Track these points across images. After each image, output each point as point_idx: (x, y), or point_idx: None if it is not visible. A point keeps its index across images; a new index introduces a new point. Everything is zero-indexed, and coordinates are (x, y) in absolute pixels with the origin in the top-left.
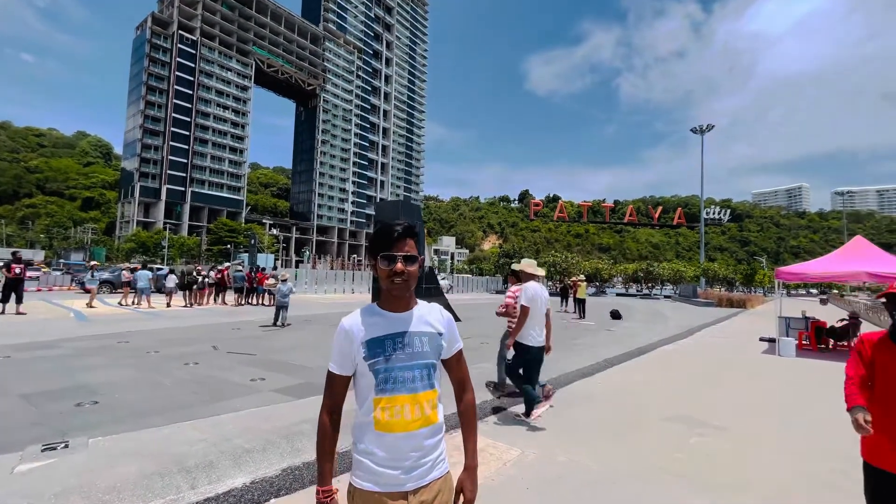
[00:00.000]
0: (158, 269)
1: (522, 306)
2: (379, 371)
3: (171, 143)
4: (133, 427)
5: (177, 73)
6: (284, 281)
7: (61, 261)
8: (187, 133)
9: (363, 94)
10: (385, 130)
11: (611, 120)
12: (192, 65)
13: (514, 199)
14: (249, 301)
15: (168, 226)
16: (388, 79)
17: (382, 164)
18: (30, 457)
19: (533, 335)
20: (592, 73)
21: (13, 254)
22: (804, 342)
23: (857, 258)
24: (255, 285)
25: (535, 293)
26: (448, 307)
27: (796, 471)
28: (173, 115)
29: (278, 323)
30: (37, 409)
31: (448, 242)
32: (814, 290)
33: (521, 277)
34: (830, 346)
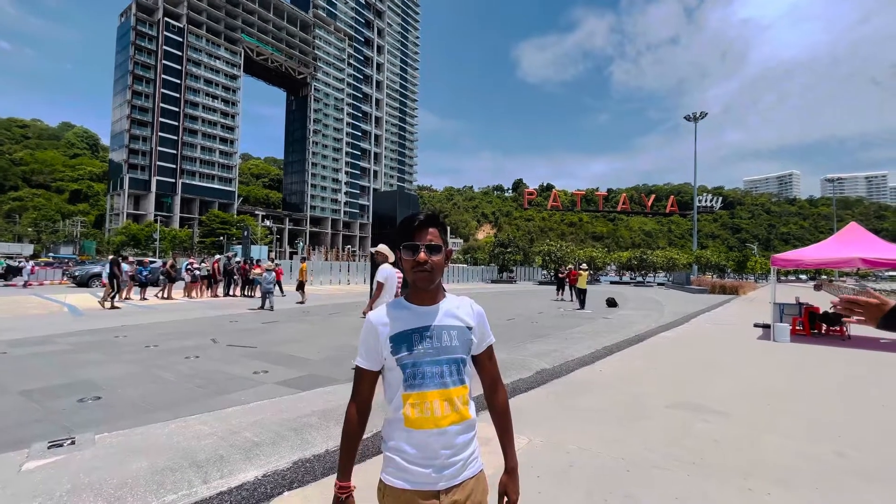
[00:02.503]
0: (151, 262)
1: (378, 282)
2: (406, 366)
3: (159, 133)
4: (138, 422)
5: (164, 61)
6: (270, 271)
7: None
8: (176, 123)
9: (355, 83)
10: (377, 119)
11: (604, 108)
12: (180, 53)
13: (508, 189)
14: (246, 294)
15: (159, 218)
16: (379, 67)
17: (375, 153)
18: (37, 454)
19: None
20: (585, 60)
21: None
22: (798, 327)
23: (851, 244)
24: (250, 277)
25: (388, 273)
26: None
27: (799, 453)
28: (161, 104)
29: (265, 307)
30: (38, 405)
31: None
32: (803, 276)
33: (378, 260)
34: (824, 331)
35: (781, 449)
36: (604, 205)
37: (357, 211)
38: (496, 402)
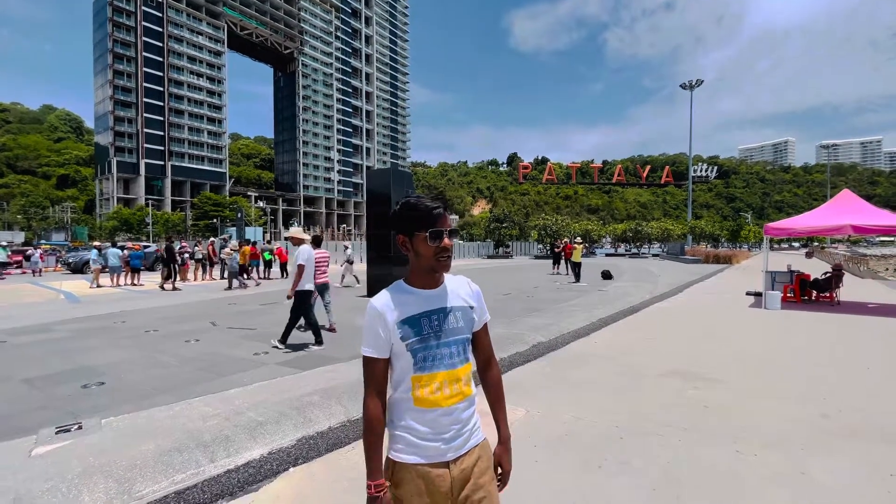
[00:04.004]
0: (145, 247)
1: (299, 265)
2: (417, 350)
3: (145, 114)
4: (143, 406)
5: (144, 38)
6: (236, 250)
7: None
8: (161, 103)
9: (343, 57)
10: (368, 95)
11: (598, 77)
12: (160, 29)
13: (503, 163)
14: (264, 276)
15: (150, 202)
16: (368, 40)
17: (367, 130)
18: (45, 439)
19: (308, 284)
20: (579, 27)
21: None
22: (789, 295)
23: (843, 211)
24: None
25: (309, 254)
26: None
27: (790, 417)
28: (144, 84)
29: (233, 287)
30: (42, 392)
31: None
32: (796, 244)
33: (295, 242)
34: (814, 298)
35: (769, 413)
36: (599, 177)
37: (351, 189)
38: (490, 377)
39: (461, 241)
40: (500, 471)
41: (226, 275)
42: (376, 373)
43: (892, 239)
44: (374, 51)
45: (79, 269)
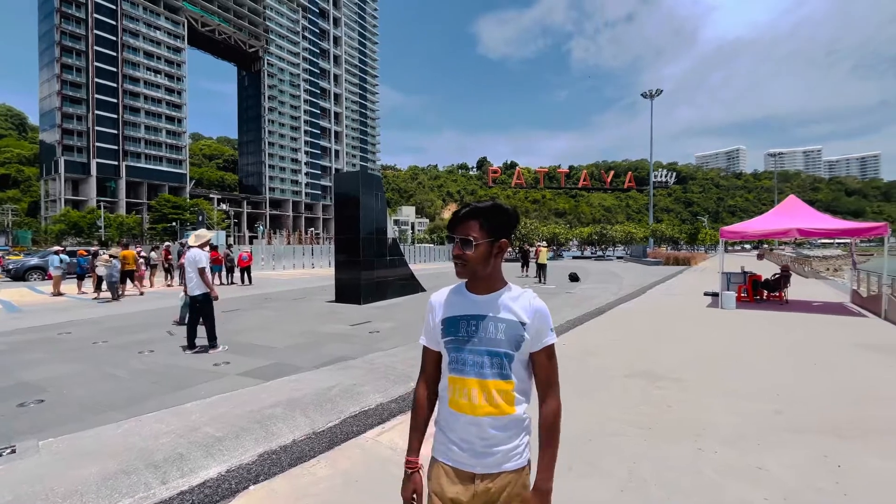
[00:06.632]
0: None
1: (202, 268)
2: (451, 350)
3: (96, 111)
4: (88, 424)
5: (95, 31)
6: (114, 257)
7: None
8: (115, 100)
9: (311, 58)
10: (337, 96)
11: (564, 85)
12: (114, 23)
13: (473, 167)
14: (225, 282)
15: (102, 204)
16: (336, 41)
17: (336, 132)
18: None
19: (202, 288)
20: (545, 36)
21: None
22: (743, 295)
23: (790, 216)
24: (232, 264)
25: (192, 256)
26: (412, 277)
27: (746, 413)
28: (97, 80)
29: (113, 297)
30: None
31: (408, 212)
32: (747, 246)
33: (201, 246)
34: (765, 297)
35: (727, 410)
36: (565, 181)
37: (319, 192)
38: (542, 410)
39: (431, 245)
40: None
41: (104, 286)
42: (426, 361)
43: (831, 241)
44: (343, 52)
45: (20, 276)
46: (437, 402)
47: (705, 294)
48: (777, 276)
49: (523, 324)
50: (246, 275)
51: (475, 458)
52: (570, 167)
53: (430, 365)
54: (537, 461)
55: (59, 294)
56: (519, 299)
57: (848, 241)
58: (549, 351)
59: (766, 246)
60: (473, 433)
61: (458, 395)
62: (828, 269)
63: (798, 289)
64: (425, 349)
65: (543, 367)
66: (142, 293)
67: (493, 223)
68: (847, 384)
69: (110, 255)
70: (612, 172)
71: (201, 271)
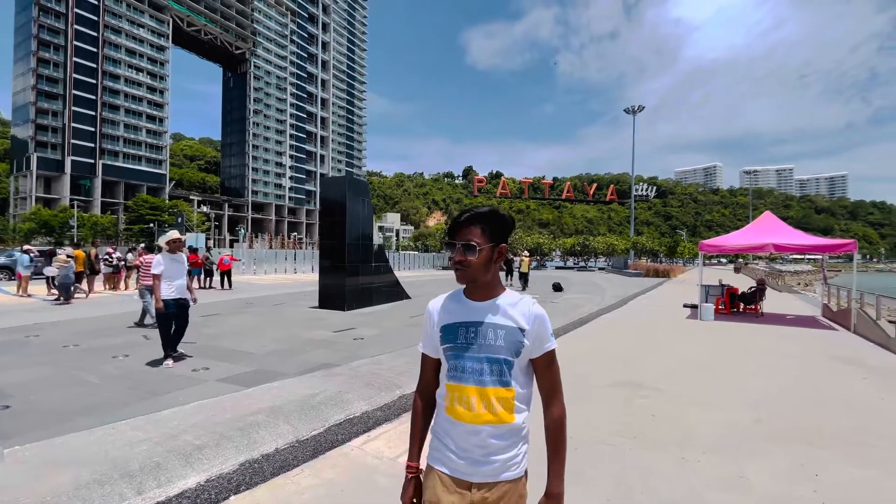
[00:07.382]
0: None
1: (155, 274)
2: (449, 357)
3: (73, 108)
4: (58, 432)
5: (76, 26)
6: (72, 257)
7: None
8: (94, 97)
9: (299, 62)
10: (324, 101)
11: (550, 98)
12: (96, 18)
13: (459, 176)
14: (204, 286)
15: (76, 202)
16: (325, 46)
17: (322, 137)
18: None
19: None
20: (532, 49)
21: None
22: (721, 307)
23: (765, 231)
24: (212, 268)
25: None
26: (397, 284)
27: (727, 423)
28: (75, 75)
29: (72, 299)
30: None
31: (393, 219)
32: (724, 260)
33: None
34: (741, 310)
35: (708, 419)
36: (549, 193)
37: (303, 197)
38: (547, 416)
39: (416, 252)
40: None
41: (55, 285)
42: (424, 369)
43: (802, 257)
44: (331, 57)
45: None
46: (437, 409)
47: (685, 306)
48: (753, 289)
49: (522, 330)
50: (226, 279)
51: (473, 467)
52: (555, 178)
53: (430, 372)
54: (547, 467)
55: (28, 295)
56: (518, 305)
57: (818, 256)
58: (551, 356)
59: (741, 260)
60: (472, 441)
61: (456, 402)
62: (799, 284)
63: (772, 302)
64: (424, 356)
65: (545, 373)
66: (86, 295)
67: (493, 228)
68: (821, 395)
69: (67, 256)
70: (594, 185)
71: (155, 277)
